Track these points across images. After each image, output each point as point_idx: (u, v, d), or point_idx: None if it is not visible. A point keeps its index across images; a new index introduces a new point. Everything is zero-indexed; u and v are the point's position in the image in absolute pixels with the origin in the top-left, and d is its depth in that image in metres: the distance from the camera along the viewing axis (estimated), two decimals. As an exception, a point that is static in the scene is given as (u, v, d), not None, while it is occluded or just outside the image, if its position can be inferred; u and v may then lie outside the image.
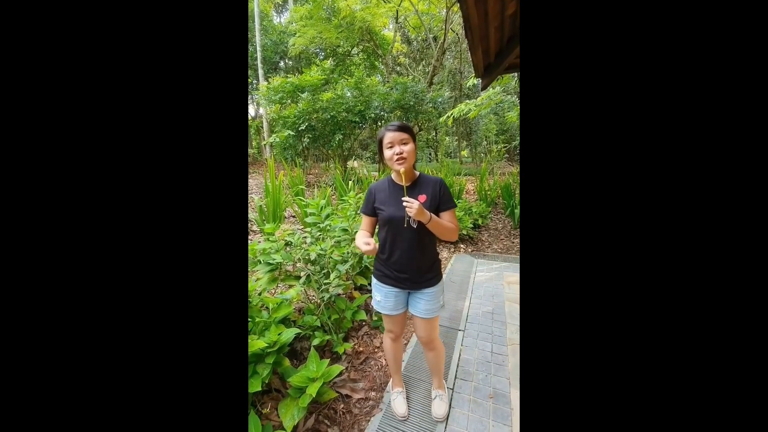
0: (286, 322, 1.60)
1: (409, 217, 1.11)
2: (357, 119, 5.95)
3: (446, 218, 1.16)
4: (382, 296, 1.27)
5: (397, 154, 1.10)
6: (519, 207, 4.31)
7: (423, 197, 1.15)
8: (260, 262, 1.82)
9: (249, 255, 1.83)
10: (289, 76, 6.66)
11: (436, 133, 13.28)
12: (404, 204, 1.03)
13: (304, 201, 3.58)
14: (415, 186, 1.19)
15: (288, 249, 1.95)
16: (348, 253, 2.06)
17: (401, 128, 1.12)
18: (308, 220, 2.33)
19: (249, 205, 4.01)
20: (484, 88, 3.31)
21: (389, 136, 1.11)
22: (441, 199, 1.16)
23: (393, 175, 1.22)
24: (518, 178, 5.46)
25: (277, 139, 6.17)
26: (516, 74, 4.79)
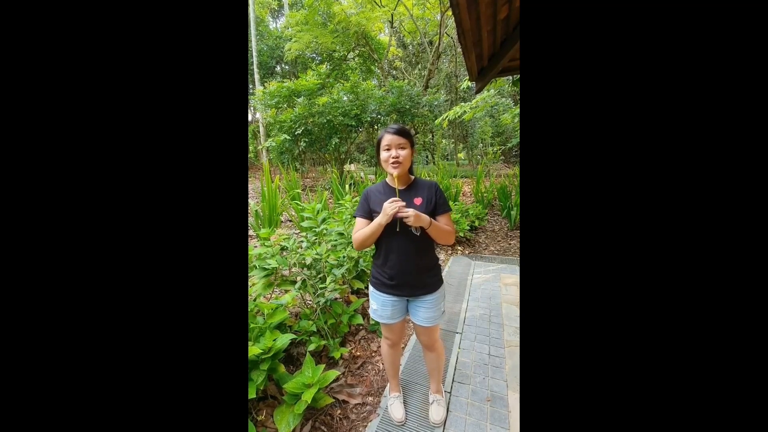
0: (281, 327, 1.58)
1: (401, 223, 1.10)
2: (353, 123, 5.97)
3: (443, 221, 1.16)
4: (379, 305, 1.25)
5: (393, 158, 1.11)
6: (515, 208, 4.33)
7: (419, 200, 1.15)
8: (256, 267, 1.81)
9: (244, 260, 1.81)
10: (285, 80, 6.68)
11: (432, 136, 13.34)
12: (400, 214, 1.03)
13: (300, 205, 3.57)
14: (410, 190, 1.18)
15: (284, 254, 1.94)
16: (344, 257, 2.05)
17: (400, 132, 1.12)
18: (304, 224, 2.33)
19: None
20: (478, 91, 3.34)
21: (387, 138, 1.12)
22: (437, 203, 1.17)
23: (388, 179, 1.22)
24: (514, 179, 5.48)
25: (274, 144, 6.18)
26: (510, 77, 4.85)
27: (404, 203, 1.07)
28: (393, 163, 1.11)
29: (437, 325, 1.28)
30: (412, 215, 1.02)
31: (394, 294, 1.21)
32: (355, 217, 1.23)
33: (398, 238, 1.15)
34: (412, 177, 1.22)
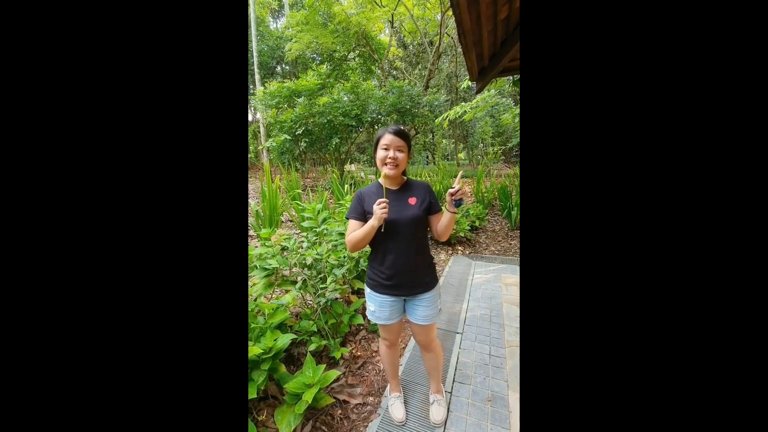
0: (282, 327, 1.58)
1: (386, 224, 1.12)
2: (353, 123, 5.97)
3: (436, 220, 1.21)
4: (377, 306, 1.25)
5: (390, 158, 1.12)
6: (516, 208, 4.32)
7: (413, 200, 1.18)
8: (256, 267, 1.81)
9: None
10: (285, 80, 6.69)
11: (432, 136, 13.34)
12: (455, 193, 1.07)
13: (300, 205, 3.58)
14: (404, 190, 1.21)
15: (284, 254, 1.94)
16: (344, 257, 2.05)
17: (401, 135, 1.13)
18: (305, 224, 2.33)
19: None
20: (478, 91, 3.34)
21: (387, 138, 1.13)
22: (431, 202, 1.20)
23: (381, 179, 1.23)
24: (514, 179, 5.48)
25: (274, 144, 6.18)
26: (510, 77, 4.85)
27: (387, 201, 1.08)
28: (389, 163, 1.12)
29: (434, 324, 1.29)
30: (459, 188, 1.08)
31: (392, 294, 1.22)
32: (347, 218, 1.22)
33: (396, 239, 1.15)
34: (405, 178, 1.24)
